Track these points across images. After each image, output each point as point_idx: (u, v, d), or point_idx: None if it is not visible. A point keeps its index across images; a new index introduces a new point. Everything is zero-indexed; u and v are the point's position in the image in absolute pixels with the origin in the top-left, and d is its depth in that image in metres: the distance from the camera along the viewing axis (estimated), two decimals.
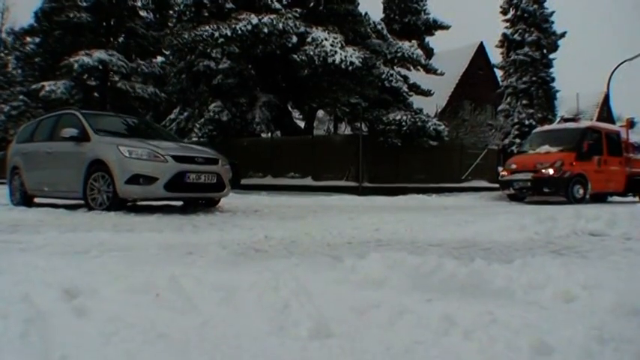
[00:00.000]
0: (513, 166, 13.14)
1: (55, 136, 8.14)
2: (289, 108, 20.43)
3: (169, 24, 20.52)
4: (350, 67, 15.14)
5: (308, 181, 16.48)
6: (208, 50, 17.08)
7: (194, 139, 16.93)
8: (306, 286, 2.39)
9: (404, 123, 15.86)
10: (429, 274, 2.74)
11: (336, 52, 15.12)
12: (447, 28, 27.10)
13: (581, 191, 12.30)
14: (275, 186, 16.39)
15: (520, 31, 25.11)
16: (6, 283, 2.56)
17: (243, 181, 12.94)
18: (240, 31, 15.36)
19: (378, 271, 2.76)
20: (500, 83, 27.36)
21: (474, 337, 1.86)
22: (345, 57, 15.10)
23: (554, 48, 25.45)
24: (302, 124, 21.12)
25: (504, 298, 2.43)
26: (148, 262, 3.17)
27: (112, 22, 23.57)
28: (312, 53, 15.15)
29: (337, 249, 3.89)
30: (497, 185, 14.99)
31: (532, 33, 24.68)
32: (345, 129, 23.62)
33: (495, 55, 30.78)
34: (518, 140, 22.69)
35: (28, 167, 8.74)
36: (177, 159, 7.04)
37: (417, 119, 16.16)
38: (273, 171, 17.52)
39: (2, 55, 33.74)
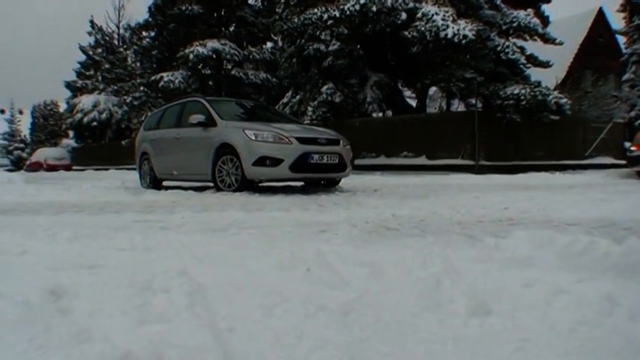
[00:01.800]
0: None
1: (182, 123, 8.57)
2: (400, 87, 20.14)
3: (277, 10, 20.89)
4: (463, 41, 14.59)
5: (422, 160, 16.20)
6: (317, 33, 17.21)
7: (306, 121, 17.21)
8: (453, 264, 2.36)
9: (522, 97, 15.09)
10: (580, 253, 2.60)
11: (447, 26, 14.63)
12: None
13: None
14: (388, 166, 16.34)
15: None
16: (159, 258, 2.72)
17: (357, 162, 12.98)
18: (348, 12, 15.31)
19: (525, 249, 2.65)
20: (624, 51, 25.15)
21: None
22: (458, 30, 14.57)
23: None
24: (413, 103, 20.80)
25: None
26: (284, 239, 3.26)
27: (222, 13, 24.36)
28: (423, 29, 14.77)
29: (469, 228, 3.80)
30: (624, 162, 13.91)
31: None
32: (457, 106, 22.92)
33: (617, 21, 28.36)
34: None
35: (156, 153, 9.28)
36: (301, 140, 7.17)
37: (537, 92, 15.29)
38: (386, 151, 17.38)
39: (122, 49, 35.99)
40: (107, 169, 24.62)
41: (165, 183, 9.64)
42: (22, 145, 54.00)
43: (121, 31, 36.99)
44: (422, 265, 2.26)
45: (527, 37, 18.54)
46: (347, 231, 3.57)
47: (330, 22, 15.61)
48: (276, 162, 7.00)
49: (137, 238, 3.23)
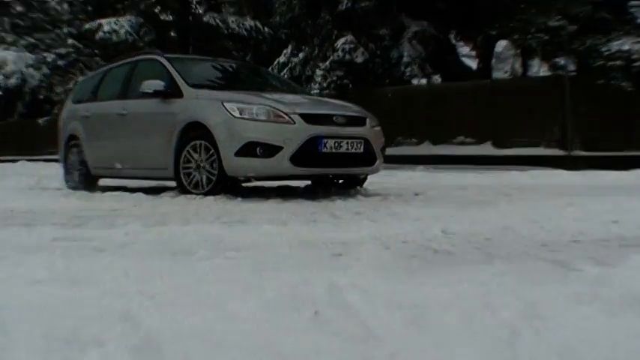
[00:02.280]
0: None
1: (130, 92, 8.65)
2: (452, 41, 20.19)
3: None
4: None
5: (487, 148, 16.37)
6: None
7: (315, 90, 17.23)
8: (536, 306, 2.32)
9: (635, 55, 15.07)
10: None
11: None
12: None
13: None
14: (436, 157, 16.48)
15: None
16: (91, 295, 2.68)
17: (389, 151, 12.96)
18: None
19: None
20: None
21: None
22: None
23: None
24: (473, 65, 20.85)
25: None
26: (280, 267, 3.25)
27: None
28: None
29: (560, 250, 3.79)
30: None
31: None
32: (538, 69, 22.97)
33: None
34: None
35: (91, 137, 9.35)
36: (308, 119, 7.14)
37: None
38: (433, 135, 17.54)
39: None
40: (15, 161, 24.74)
41: (102, 182, 9.73)
42: None
43: None
44: (488, 308, 2.24)
45: None
46: (375, 255, 3.55)
47: None
48: (270, 150, 7.01)
49: (59, 265, 3.23)
